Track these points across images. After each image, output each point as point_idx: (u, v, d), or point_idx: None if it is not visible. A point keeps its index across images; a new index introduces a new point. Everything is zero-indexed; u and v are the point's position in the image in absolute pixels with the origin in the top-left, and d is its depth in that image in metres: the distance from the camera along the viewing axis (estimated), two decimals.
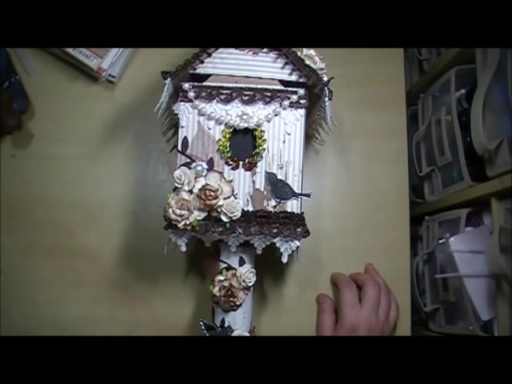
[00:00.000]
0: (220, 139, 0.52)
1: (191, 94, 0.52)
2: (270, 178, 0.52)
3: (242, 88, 0.52)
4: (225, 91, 0.52)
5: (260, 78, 0.52)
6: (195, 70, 0.52)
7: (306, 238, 0.53)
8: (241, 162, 0.52)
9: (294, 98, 0.52)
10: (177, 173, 0.50)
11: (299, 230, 0.52)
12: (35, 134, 0.67)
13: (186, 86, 0.52)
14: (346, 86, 0.67)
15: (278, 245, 0.52)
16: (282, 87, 0.52)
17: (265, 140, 0.52)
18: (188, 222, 0.50)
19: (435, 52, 0.75)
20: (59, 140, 0.67)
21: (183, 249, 0.53)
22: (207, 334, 0.54)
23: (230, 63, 0.52)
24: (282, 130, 0.52)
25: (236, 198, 0.51)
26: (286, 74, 0.52)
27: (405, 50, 0.73)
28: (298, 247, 0.52)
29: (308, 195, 0.53)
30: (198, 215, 0.50)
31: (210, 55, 0.51)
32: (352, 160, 0.68)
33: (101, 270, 0.65)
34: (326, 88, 0.51)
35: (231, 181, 0.52)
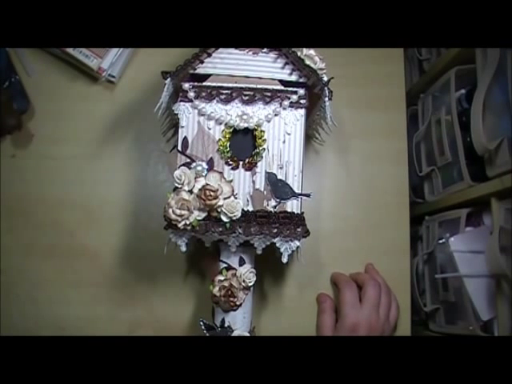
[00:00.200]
0: (220, 139, 0.52)
1: (191, 94, 0.52)
2: (270, 178, 0.52)
3: (242, 88, 0.52)
4: (225, 91, 0.52)
5: (260, 78, 0.52)
6: (195, 70, 0.52)
7: (306, 237, 0.53)
8: (241, 162, 0.52)
9: (294, 98, 0.52)
10: (177, 173, 0.50)
11: (299, 230, 0.52)
12: (35, 134, 0.67)
13: (186, 86, 0.52)
14: (346, 86, 0.67)
15: (278, 245, 0.52)
16: (282, 87, 0.52)
17: (265, 140, 0.52)
18: (188, 222, 0.50)
19: (435, 52, 0.75)
20: (59, 140, 0.67)
21: (183, 249, 0.53)
22: (207, 334, 0.54)
23: (230, 63, 0.52)
24: (282, 129, 0.52)
25: (236, 198, 0.51)
26: (286, 74, 0.52)
27: (405, 50, 0.73)
28: (298, 247, 0.52)
29: (308, 195, 0.53)
30: (198, 215, 0.50)
31: (210, 55, 0.51)
32: (352, 160, 0.68)
33: (101, 270, 0.65)
34: (325, 88, 0.51)
35: (231, 181, 0.52)
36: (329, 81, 0.52)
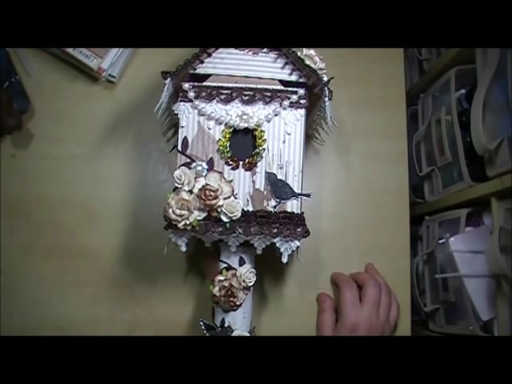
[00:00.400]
0: (220, 139, 0.52)
1: (191, 94, 0.52)
2: (270, 178, 0.52)
3: (242, 88, 0.52)
4: (225, 91, 0.52)
5: (260, 78, 0.52)
6: (195, 69, 0.52)
7: (306, 237, 0.53)
8: (241, 162, 0.52)
9: (294, 97, 0.52)
10: (177, 173, 0.50)
11: (299, 230, 0.52)
12: (35, 134, 0.67)
13: (186, 86, 0.52)
14: (346, 86, 0.67)
15: (278, 245, 0.52)
16: (282, 87, 0.52)
17: (265, 140, 0.52)
18: (188, 222, 0.50)
19: (435, 52, 0.75)
20: (59, 140, 0.67)
21: (183, 249, 0.53)
22: (207, 334, 0.54)
23: (230, 63, 0.52)
24: (282, 129, 0.52)
25: (236, 198, 0.51)
26: (286, 74, 0.52)
27: (405, 50, 0.73)
28: (298, 247, 0.52)
29: (308, 195, 0.53)
30: (198, 215, 0.50)
31: (210, 55, 0.51)
32: (352, 160, 0.68)
33: (101, 270, 0.65)
34: (325, 88, 0.51)
35: (231, 181, 0.52)
36: (329, 81, 0.52)
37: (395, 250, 0.67)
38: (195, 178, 0.51)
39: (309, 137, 0.64)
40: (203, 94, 0.52)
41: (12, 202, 0.66)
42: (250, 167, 0.52)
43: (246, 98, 0.52)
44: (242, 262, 0.54)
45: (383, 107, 0.70)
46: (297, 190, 0.52)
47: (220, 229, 0.51)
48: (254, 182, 0.52)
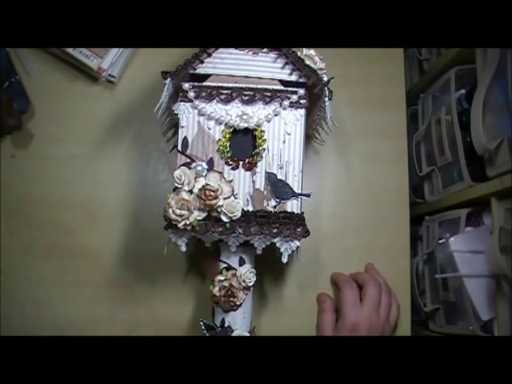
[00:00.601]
0: (220, 139, 0.52)
1: (191, 94, 0.52)
2: (270, 178, 0.52)
3: (242, 88, 0.52)
4: (225, 91, 0.52)
5: (260, 78, 0.52)
6: (195, 69, 0.52)
7: (306, 237, 0.53)
8: (241, 162, 0.52)
9: (294, 97, 0.52)
10: (177, 173, 0.50)
11: (299, 230, 0.52)
12: (35, 134, 0.67)
13: (186, 86, 0.52)
14: (346, 86, 0.67)
15: (278, 245, 0.52)
16: (282, 87, 0.52)
17: (265, 140, 0.52)
18: (188, 222, 0.50)
19: (435, 52, 0.75)
20: (59, 140, 0.67)
21: (183, 249, 0.53)
22: (207, 334, 0.54)
23: (230, 63, 0.52)
24: (282, 129, 0.52)
25: (236, 198, 0.51)
26: (286, 74, 0.52)
27: (405, 50, 0.73)
28: (297, 247, 0.52)
29: (308, 195, 0.53)
30: (198, 215, 0.50)
31: (210, 55, 0.51)
32: (352, 160, 0.68)
33: (101, 270, 0.65)
34: (325, 88, 0.51)
35: (231, 181, 0.52)
36: (329, 81, 0.52)
37: (395, 250, 0.67)
38: (195, 178, 0.51)
39: (309, 137, 0.64)
40: (203, 93, 0.52)
41: (12, 202, 0.66)
42: (250, 167, 0.52)
43: (246, 98, 0.52)
44: (241, 262, 0.54)
45: (383, 107, 0.70)
46: (297, 190, 0.52)
47: (220, 229, 0.51)
48: (254, 182, 0.52)
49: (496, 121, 0.57)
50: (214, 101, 0.52)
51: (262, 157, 0.52)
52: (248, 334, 0.54)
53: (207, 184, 0.50)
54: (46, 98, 0.68)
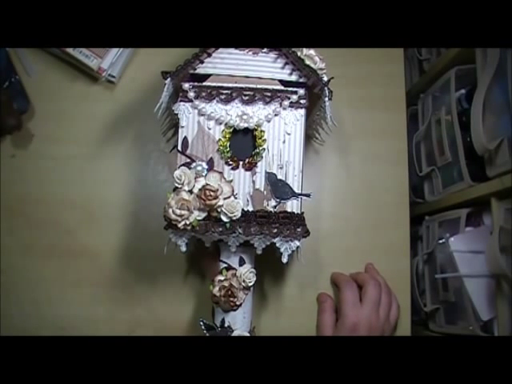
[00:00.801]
0: (220, 139, 0.52)
1: (191, 94, 0.52)
2: (270, 178, 0.52)
3: (242, 88, 0.52)
4: (225, 91, 0.52)
5: (260, 78, 0.52)
6: (195, 69, 0.52)
7: (306, 237, 0.53)
8: (241, 162, 0.52)
9: (294, 97, 0.52)
10: (177, 173, 0.50)
11: (299, 230, 0.52)
12: (35, 134, 0.67)
13: (186, 86, 0.52)
14: (346, 86, 0.67)
15: (278, 245, 0.52)
16: (282, 87, 0.52)
17: (265, 140, 0.52)
18: (188, 222, 0.50)
19: (435, 52, 0.75)
20: (59, 140, 0.67)
21: (183, 249, 0.53)
22: (207, 334, 0.54)
23: (230, 63, 0.52)
24: (282, 129, 0.52)
25: (236, 198, 0.51)
26: (286, 74, 0.52)
27: (405, 50, 0.73)
28: (298, 247, 0.52)
29: (308, 195, 0.53)
30: (198, 215, 0.50)
31: (210, 55, 0.51)
32: (352, 160, 0.68)
33: (101, 270, 0.65)
34: (325, 88, 0.51)
35: (231, 181, 0.52)
36: (329, 81, 0.52)
37: (395, 250, 0.67)
38: (195, 178, 0.51)
39: (309, 137, 0.64)
40: (203, 94, 0.52)
41: (12, 202, 0.66)
42: (250, 167, 0.52)
43: (246, 98, 0.52)
44: (241, 262, 0.54)
45: (383, 107, 0.70)
46: (297, 190, 0.52)
47: (220, 229, 0.51)
48: (254, 182, 0.52)
49: (496, 121, 0.57)
50: (214, 101, 0.52)
51: (261, 157, 0.52)
52: (248, 334, 0.54)
53: (207, 184, 0.50)
54: (46, 98, 0.68)
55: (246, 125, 0.52)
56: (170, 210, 0.49)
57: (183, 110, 0.52)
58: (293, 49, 0.51)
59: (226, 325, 0.53)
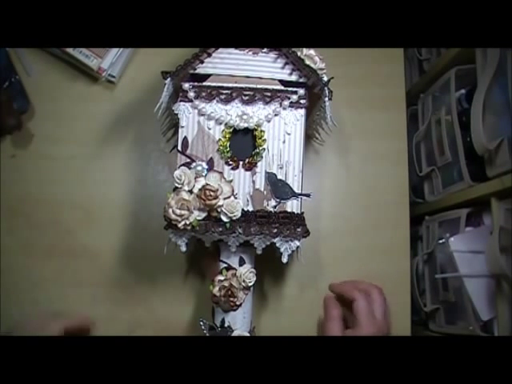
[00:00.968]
0: (220, 139, 0.52)
1: (191, 94, 0.52)
2: (270, 178, 0.52)
3: (242, 88, 0.52)
4: (225, 91, 0.52)
5: (260, 78, 0.52)
6: (195, 69, 0.52)
7: (306, 237, 0.53)
8: (241, 162, 0.52)
9: (294, 98, 0.52)
10: (177, 173, 0.50)
11: (299, 230, 0.52)
12: (35, 134, 0.67)
13: (186, 86, 0.52)
14: (346, 86, 0.67)
15: (278, 245, 0.52)
16: (282, 87, 0.52)
17: (265, 140, 0.52)
18: (188, 222, 0.50)
19: (435, 52, 0.75)
20: (59, 140, 0.67)
21: (183, 249, 0.53)
22: (207, 334, 0.54)
23: (230, 63, 0.52)
24: (282, 130, 0.52)
25: (236, 198, 0.51)
26: (286, 74, 0.52)
27: (405, 50, 0.73)
28: (297, 247, 0.52)
29: (308, 195, 0.53)
30: (198, 215, 0.50)
31: (210, 55, 0.51)
32: (352, 160, 0.68)
33: (101, 270, 0.65)
34: (325, 88, 0.51)
35: (231, 181, 0.52)
36: (329, 81, 0.52)
37: (395, 250, 0.67)
38: (195, 178, 0.51)
39: (309, 137, 0.64)
40: (203, 94, 0.52)
41: (12, 201, 0.66)
42: (250, 167, 0.52)
43: (246, 98, 0.52)
44: (241, 262, 0.54)
45: (383, 107, 0.70)
46: (297, 190, 0.52)
47: (220, 229, 0.51)
48: (254, 182, 0.52)
49: (496, 121, 0.57)
50: (214, 101, 0.52)
51: (262, 157, 0.52)
52: (248, 334, 0.54)
53: (207, 184, 0.50)
54: (46, 98, 0.68)
55: (245, 125, 0.52)
56: (170, 210, 0.49)
57: (183, 109, 0.52)
58: (293, 49, 0.51)
59: (226, 325, 0.53)
